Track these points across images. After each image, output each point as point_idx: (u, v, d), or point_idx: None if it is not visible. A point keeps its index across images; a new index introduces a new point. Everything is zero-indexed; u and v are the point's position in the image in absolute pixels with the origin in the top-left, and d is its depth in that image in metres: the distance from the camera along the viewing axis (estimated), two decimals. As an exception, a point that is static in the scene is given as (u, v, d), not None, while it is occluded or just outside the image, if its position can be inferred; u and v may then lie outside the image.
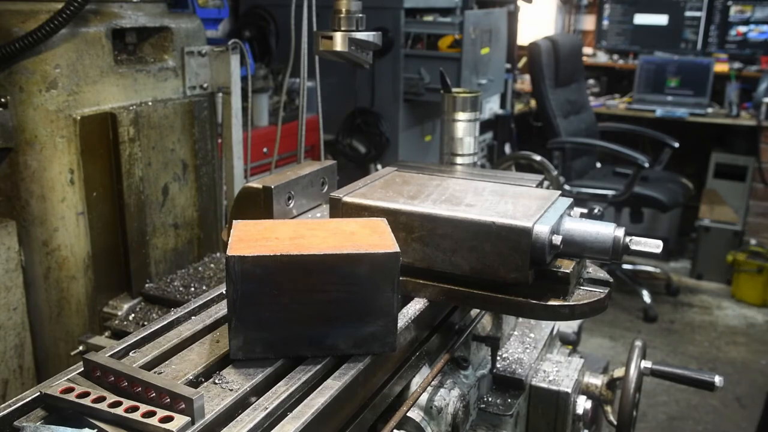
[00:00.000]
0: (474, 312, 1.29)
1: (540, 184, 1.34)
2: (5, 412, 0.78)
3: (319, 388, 0.85)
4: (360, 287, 0.88)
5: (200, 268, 1.96)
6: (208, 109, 2.01)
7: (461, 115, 1.50)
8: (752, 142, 5.20)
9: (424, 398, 1.07)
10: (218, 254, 2.05)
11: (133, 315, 1.76)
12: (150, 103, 1.83)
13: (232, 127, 2.09)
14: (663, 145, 4.79)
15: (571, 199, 1.16)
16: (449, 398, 1.10)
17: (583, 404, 1.35)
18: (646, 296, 4.62)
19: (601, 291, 1.07)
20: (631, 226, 4.72)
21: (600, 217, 1.24)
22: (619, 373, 1.40)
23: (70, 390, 0.79)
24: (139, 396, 0.78)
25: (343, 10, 1.26)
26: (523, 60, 5.60)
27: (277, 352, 0.89)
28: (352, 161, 3.93)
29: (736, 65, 5.55)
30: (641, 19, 6.08)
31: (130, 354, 0.91)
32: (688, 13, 5.84)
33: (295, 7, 1.91)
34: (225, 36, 3.92)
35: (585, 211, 1.35)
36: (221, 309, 1.03)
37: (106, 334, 1.72)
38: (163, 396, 0.77)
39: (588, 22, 6.61)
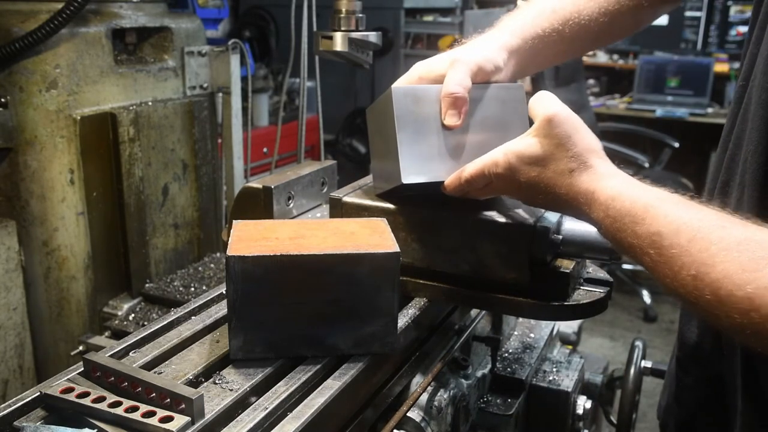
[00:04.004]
0: (474, 312, 1.29)
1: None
2: (5, 412, 0.78)
3: (319, 388, 0.84)
4: (360, 287, 0.88)
5: (200, 268, 1.96)
6: (208, 109, 2.01)
7: (461, 115, 1.49)
8: (752, 142, 5.19)
9: (424, 398, 1.07)
10: (218, 254, 2.05)
11: (133, 315, 1.76)
12: (150, 103, 1.83)
13: (232, 127, 2.09)
14: (663, 145, 4.79)
15: (571, 199, 1.15)
16: (449, 398, 1.10)
17: (583, 404, 1.35)
18: (646, 296, 4.62)
19: (601, 291, 1.07)
20: (631, 226, 4.70)
21: (600, 217, 1.23)
22: (619, 373, 1.40)
23: (70, 390, 0.79)
24: (139, 396, 0.78)
25: (343, 10, 1.26)
26: (523, 60, 5.60)
27: (277, 352, 0.89)
28: (352, 161, 3.93)
29: (736, 65, 5.55)
30: (641, 19, 6.07)
31: (130, 354, 0.91)
32: (688, 13, 5.83)
33: (295, 7, 1.91)
34: (225, 36, 3.93)
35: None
36: (221, 309, 1.03)
37: (106, 334, 1.72)
38: (163, 396, 0.77)
39: (588, 22, 6.60)
